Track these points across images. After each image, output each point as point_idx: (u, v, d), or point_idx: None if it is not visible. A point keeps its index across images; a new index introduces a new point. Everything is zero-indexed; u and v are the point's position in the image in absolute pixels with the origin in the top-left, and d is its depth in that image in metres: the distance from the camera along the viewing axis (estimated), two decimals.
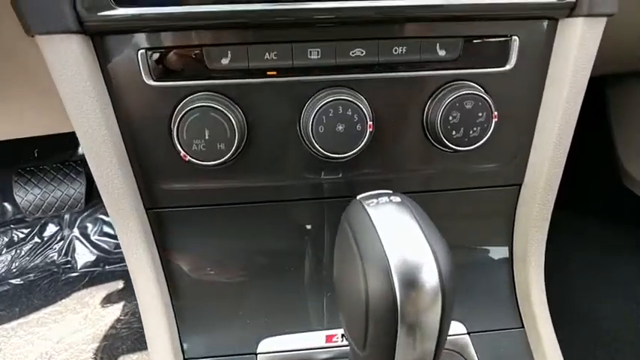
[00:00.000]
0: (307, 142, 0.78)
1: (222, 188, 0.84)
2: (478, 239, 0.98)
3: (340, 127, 0.76)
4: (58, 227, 2.21)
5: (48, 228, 2.21)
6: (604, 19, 0.77)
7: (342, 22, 0.73)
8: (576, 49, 0.78)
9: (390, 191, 0.61)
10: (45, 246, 2.19)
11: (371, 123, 0.76)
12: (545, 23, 0.79)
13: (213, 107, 0.73)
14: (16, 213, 2.12)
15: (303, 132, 0.79)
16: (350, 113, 0.75)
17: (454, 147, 0.79)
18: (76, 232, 2.18)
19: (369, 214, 0.56)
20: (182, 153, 0.75)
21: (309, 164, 0.83)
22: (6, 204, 2.16)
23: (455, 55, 0.78)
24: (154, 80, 0.75)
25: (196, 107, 0.73)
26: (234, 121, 0.74)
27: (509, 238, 0.97)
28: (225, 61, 0.75)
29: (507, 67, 0.80)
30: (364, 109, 0.75)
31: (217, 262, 0.93)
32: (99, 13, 0.68)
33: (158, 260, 0.88)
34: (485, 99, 0.77)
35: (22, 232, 2.20)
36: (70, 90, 0.72)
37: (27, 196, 1.78)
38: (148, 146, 0.79)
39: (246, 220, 0.89)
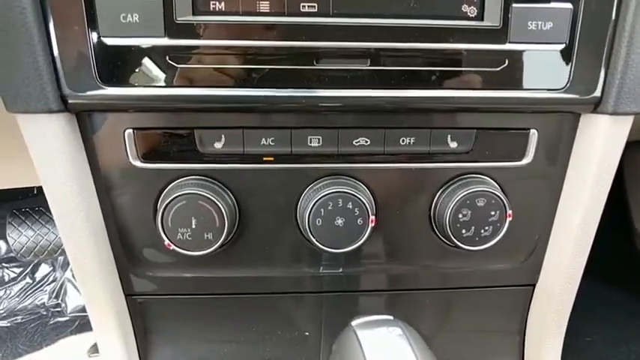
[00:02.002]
0: (304, 234, 0.72)
1: (210, 277, 0.78)
2: (484, 347, 0.90)
3: (340, 221, 0.70)
4: (51, 268, 2.15)
5: (40, 268, 2.15)
6: (631, 117, 0.71)
7: (348, 110, 0.68)
8: (600, 146, 0.72)
9: (390, 317, 0.54)
10: (36, 287, 2.12)
11: (373, 217, 0.70)
12: (567, 116, 0.73)
13: (202, 195, 0.67)
14: (9, 251, 2.06)
15: (299, 222, 0.73)
16: (351, 207, 0.69)
17: (463, 246, 0.72)
18: (68, 274, 2.11)
19: (363, 354, 0.49)
20: (166, 242, 0.69)
21: (304, 255, 0.77)
22: None
23: (467, 148, 0.72)
24: (141, 161, 0.70)
25: (183, 195, 0.67)
26: (224, 211, 0.68)
27: (520, 348, 0.88)
28: (218, 145, 0.70)
29: (524, 161, 0.74)
30: (366, 203, 0.69)
31: (201, 357, 0.85)
32: (84, 93, 0.63)
33: (135, 353, 0.81)
34: (499, 197, 0.71)
35: (14, 272, 2.14)
36: (49, 171, 0.67)
37: (20, 238, 1.73)
38: (131, 230, 0.74)
39: (235, 313, 0.82)
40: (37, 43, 0.60)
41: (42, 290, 2.13)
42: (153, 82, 0.63)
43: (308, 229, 0.70)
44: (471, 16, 0.66)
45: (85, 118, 0.68)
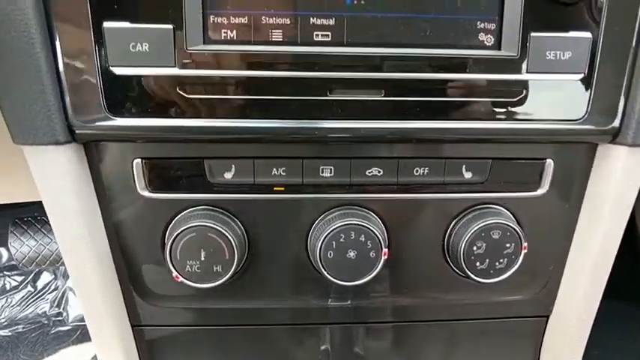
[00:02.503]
0: (314, 266, 0.71)
1: (219, 308, 0.76)
2: None
3: (352, 254, 0.68)
4: (52, 277, 2.13)
5: (42, 277, 2.14)
6: None
7: (361, 140, 0.67)
8: (619, 177, 0.70)
9: None
10: (37, 296, 2.11)
11: (386, 250, 0.69)
12: (584, 146, 0.72)
13: (211, 227, 0.66)
14: (10, 259, 2.05)
15: (310, 254, 0.71)
16: (363, 239, 0.68)
17: (477, 279, 0.71)
18: (70, 283, 2.09)
19: None
20: (174, 274, 0.67)
21: (314, 287, 0.75)
22: (1, 249, 2.10)
23: (482, 178, 0.71)
24: (149, 192, 0.68)
25: (192, 227, 0.66)
26: (233, 243, 0.66)
27: None
28: (228, 176, 0.68)
29: (540, 191, 0.72)
30: (379, 235, 0.68)
31: None
32: (92, 124, 0.62)
33: None
34: (514, 229, 0.69)
35: (15, 280, 2.13)
36: (55, 202, 0.66)
37: (22, 247, 1.71)
38: (139, 261, 0.72)
39: (243, 344, 0.80)
40: (45, 74, 0.59)
41: (43, 299, 2.12)
42: (162, 113, 0.62)
43: (319, 262, 0.68)
44: (487, 45, 0.64)
45: (92, 148, 0.67)
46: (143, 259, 0.72)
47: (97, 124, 0.62)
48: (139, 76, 0.61)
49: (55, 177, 0.64)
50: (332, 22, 0.62)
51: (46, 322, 2.05)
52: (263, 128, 0.63)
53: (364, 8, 0.62)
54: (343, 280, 0.69)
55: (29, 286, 2.14)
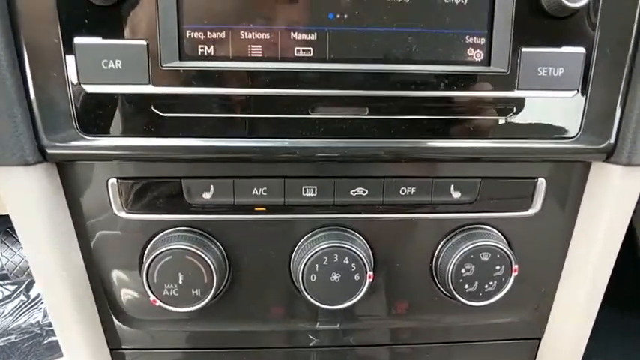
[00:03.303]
0: (297, 289, 0.68)
1: (200, 331, 0.74)
2: None
3: (335, 277, 0.66)
4: None
5: (35, 286, 2.11)
6: None
7: (345, 160, 0.64)
8: (613, 197, 0.67)
9: None
10: (30, 305, 2.09)
11: (371, 273, 0.66)
12: (577, 165, 0.69)
13: (189, 250, 0.64)
14: (3, 268, 2.03)
15: (293, 276, 0.69)
16: (347, 262, 0.65)
17: (466, 302, 0.68)
18: None
19: None
20: (152, 297, 0.65)
21: (298, 310, 0.73)
22: None
23: (471, 198, 0.68)
24: (126, 212, 0.66)
25: (169, 249, 0.63)
26: (212, 266, 0.64)
27: None
28: (207, 196, 0.66)
29: (531, 211, 0.70)
30: (363, 258, 0.65)
31: None
32: (64, 143, 0.59)
33: None
34: (504, 251, 0.67)
35: (8, 289, 2.11)
36: (26, 224, 0.63)
37: (13, 257, 1.69)
38: (116, 283, 0.70)
39: None
40: (13, 92, 0.56)
41: (37, 308, 2.10)
42: (137, 132, 0.59)
43: (302, 285, 0.66)
44: (477, 60, 0.61)
45: (65, 167, 0.64)
46: (121, 281, 0.70)
47: (69, 143, 0.59)
48: (112, 94, 0.58)
49: (25, 198, 0.61)
50: (314, 37, 0.60)
51: (39, 331, 2.02)
52: (242, 148, 0.61)
53: (347, 23, 0.59)
54: (327, 304, 0.67)
55: (22, 295, 2.12)
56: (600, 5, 0.60)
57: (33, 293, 2.13)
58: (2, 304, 2.09)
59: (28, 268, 1.77)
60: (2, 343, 1.95)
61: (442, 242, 0.70)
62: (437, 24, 0.60)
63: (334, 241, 0.65)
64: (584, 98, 0.62)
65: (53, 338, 1.99)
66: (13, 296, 2.11)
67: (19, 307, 2.09)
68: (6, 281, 2.11)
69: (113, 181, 0.65)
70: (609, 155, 0.65)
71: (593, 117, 0.63)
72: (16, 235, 1.79)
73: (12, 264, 1.69)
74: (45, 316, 2.08)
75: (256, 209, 0.67)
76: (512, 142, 0.63)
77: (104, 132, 0.59)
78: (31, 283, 2.13)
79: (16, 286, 2.12)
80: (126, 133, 0.59)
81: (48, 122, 0.59)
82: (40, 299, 2.12)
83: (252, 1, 0.58)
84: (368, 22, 0.59)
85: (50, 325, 2.06)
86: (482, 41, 0.61)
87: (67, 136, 0.59)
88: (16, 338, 1.98)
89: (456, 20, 0.60)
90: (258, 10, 0.58)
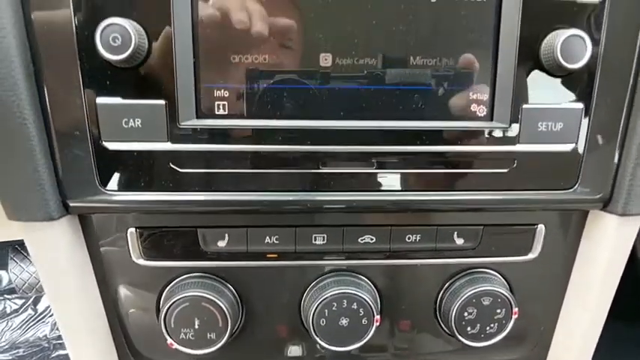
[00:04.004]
0: (307, 332, 0.71)
1: None
2: None
3: (344, 321, 0.69)
4: None
5: (42, 300, 2.14)
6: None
7: (353, 210, 0.67)
8: (609, 244, 0.71)
9: None
10: (38, 319, 2.12)
11: (378, 317, 0.69)
12: (576, 212, 0.72)
13: (205, 297, 0.67)
14: (11, 282, 2.06)
15: (303, 320, 0.72)
16: (355, 307, 0.68)
17: (467, 342, 0.71)
18: None
19: None
20: (169, 341, 0.68)
21: (309, 351, 0.76)
22: (1, 272, 2.10)
23: (474, 244, 0.71)
24: (144, 259, 0.69)
25: (186, 297, 0.66)
26: (226, 311, 0.67)
27: None
28: (221, 244, 0.69)
29: (531, 255, 0.73)
30: (371, 303, 0.68)
31: None
32: (86, 198, 0.62)
33: None
34: (505, 296, 0.70)
35: (16, 304, 2.14)
36: (50, 273, 0.66)
37: (22, 274, 1.72)
38: (134, 326, 0.73)
39: None
40: (38, 152, 0.59)
41: (44, 322, 2.13)
42: (155, 187, 0.62)
43: (312, 329, 0.69)
44: (480, 116, 0.64)
45: (86, 217, 0.67)
46: (139, 324, 0.73)
47: (91, 198, 0.62)
48: (132, 151, 0.61)
49: (49, 250, 0.64)
50: (325, 95, 0.62)
51: (46, 345, 2.05)
52: (256, 201, 0.64)
53: (357, 82, 0.62)
54: (335, 346, 0.70)
55: (30, 309, 2.15)
56: (599, 64, 0.62)
57: (40, 307, 2.16)
58: (10, 318, 2.11)
59: (37, 284, 1.80)
60: (10, 357, 1.98)
61: (445, 285, 0.73)
62: (442, 81, 0.63)
63: (342, 288, 0.68)
64: (581, 151, 0.65)
65: (61, 352, 2.02)
66: (20, 310, 2.14)
67: (26, 321, 2.12)
68: (13, 295, 2.14)
69: (132, 230, 0.68)
70: (606, 204, 0.68)
71: (590, 169, 0.66)
72: (24, 251, 1.82)
73: (21, 280, 1.72)
74: (52, 330, 2.11)
75: (268, 256, 0.70)
76: (513, 194, 0.66)
77: (125, 187, 0.62)
78: (39, 297, 2.16)
79: (23, 300, 2.15)
80: (145, 188, 0.62)
81: (71, 178, 0.62)
82: (48, 313, 2.15)
83: (266, 63, 0.60)
84: (377, 81, 0.62)
85: (57, 339, 2.09)
86: (485, 97, 0.64)
87: (90, 191, 0.62)
88: (24, 352, 2.01)
89: (460, 78, 0.63)
90: (271, 71, 0.61)
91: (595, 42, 0.61)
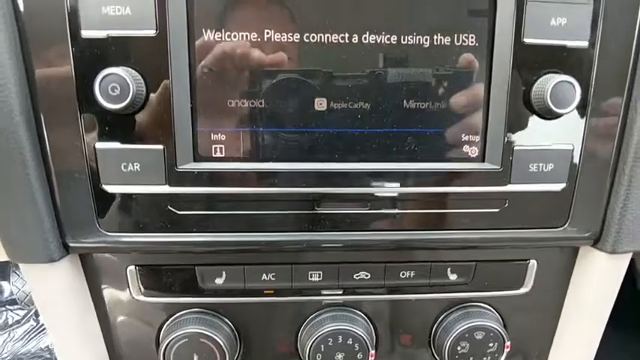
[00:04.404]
0: None
1: None
2: None
3: (340, 356, 0.70)
4: None
5: None
6: (630, 253, 0.71)
7: (349, 249, 0.68)
8: (599, 279, 0.72)
9: None
10: (40, 330, 2.14)
11: (373, 352, 0.71)
12: (567, 248, 0.73)
13: (203, 333, 0.68)
14: (13, 293, 2.08)
15: (300, 353, 0.73)
16: (350, 342, 0.70)
17: None
18: None
19: None
20: None
21: None
22: (3, 283, 2.12)
23: (467, 280, 0.73)
24: (143, 296, 0.70)
25: (185, 334, 0.68)
26: (224, 346, 0.69)
27: None
28: (219, 281, 0.70)
29: (523, 290, 0.74)
30: (366, 339, 0.70)
31: None
32: (86, 239, 0.64)
33: None
34: (497, 330, 0.71)
35: (17, 315, 2.16)
36: (52, 312, 0.68)
37: (24, 287, 1.74)
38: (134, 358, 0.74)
39: None
40: (39, 197, 0.61)
41: (46, 333, 2.14)
42: (154, 228, 0.64)
43: None
44: (472, 157, 0.66)
45: (87, 256, 0.69)
46: (139, 358, 0.74)
47: (91, 239, 0.64)
48: (131, 194, 0.63)
49: (51, 289, 0.66)
50: (320, 138, 0.64)
51: (48, 356, 2.07)
52: (253, 242, 0.65)
53: (351, 126, 0.63)
54: None
55: (32, 320, 2.16)
56: (589, 107, 0.64)
57: (42, 319, 2.18)
58: (12, 329, 2.13)
59: None
60: None
61: (439, 320, 0.74)
62: (436, 124, 0.64)
63: (338, 323, 0.70)
64: (572, 190, 0.67)
65: None
66: (22, 321, 2.15)
67: (28, 332, 2.14)
68: (15, 306, 2.15)
69: (132, 268, 0.69)
70: (596, 242, 0.69)
71: (580, 208, 0.67)
72: None
73: (23, 293, 1.74)
74: None
75: (265, 292, 0.71)
76: (504, 232, 0.67)
77: (124, 228, 0.64)
78: None
79: (25, 312, 2.16)
80: (144, 229, 0.64)
81: (72, 221, 0.63)
82: None
83: (262, 108, 0.62)
84: (370, 125, 0.64)
85: None
86: (477, 139, 0.65)
87: (90, 232, 0.63)
88: None
89: (453, 120, 0.64)
90: (267, 115, 0.62)
91: (585, 86, 0.62)
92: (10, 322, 2.15)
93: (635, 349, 2.00)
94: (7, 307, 2.15)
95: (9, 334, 2.12)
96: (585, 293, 0.73)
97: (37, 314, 2.18)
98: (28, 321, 2.16)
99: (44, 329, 2.16)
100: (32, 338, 2.13)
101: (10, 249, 0.63)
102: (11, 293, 2.11)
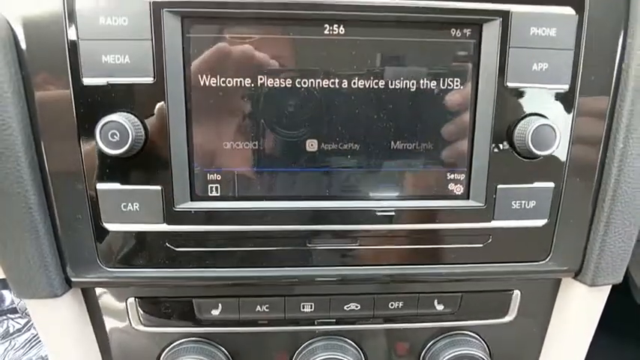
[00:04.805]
0: None
1: None
2: None
3: None
4: None
5: None
6: (609, 286, 0.74)
7: (340, 283, 0.71)
8: (580, 308, 0.75)
9: None
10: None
11: None
12: (549, 279, 0.76)
13: None
14: (14, 302, 2.10)
15: None
16: None
17: None
18: None
19: None
20: None
21: None
22: (4, 291, 2.15)
23: (453, 309, 0.76)
24: (143, 326, 0.73)
25: None
26: None
27: None
28: (215, 312, 0.73)
29: (507, 318, 0.77)
30: None
31: None
32: (88, 274, 0.67)
33: None
34: (483, 358, 0.74)
35: (18, 323, 2.18)
36: (56, 344, 0.71)
37: None
38: None
39: None
40: (42, 236, 0.63)
41: None
42: (153, 264, 0.67)
43: None
44: (457, 194, 0.68)
45: (88, 289, 0.71)
46: None
47: (93, 274, 0.67)
48: (131, 232, 0.65)
49: (54, 321, 0.69)
50: (311, 179, 0.66)
51: None
52: (247, 277, 0.68)
53: (340, 165, 0.66)
54: None
55: (33, 328, 2.19)
56: (569, 148, 0.67)
57: None
58: (13, 338, 2.16)
59: None
60: None
61: (427, 347, 0.77)
62: (422, 164, 0.67)
63: (329, 353, 0.73)
64: (554, 226, 0.69)
65: None
66: (23, 330, 2.18)
67: (29, 341, 2.16)
68: (16, 315, 2.18)
69: (131, 299, 0.72)
70: (577, 274, 0.72)
71: (561, 242, 0.70)
72: None
73: (23, 305, 1.76)
74: None
75: (259, 322, 0.74)
76: (488, 266, 0.70)
77: (124, 264, 0.67)
78: None
79: (26, 320, 2.19)
80: (143, 265, 0.67)
81: (74, 257, 0.66)
82: None
83: (256, 149, 0.64)
84: (359, 164, 0.66)
85: None
86: (462, 177, 0.68)
87: (91, 268, 0.66)
88: None
89: (438, 160, 0.67)
90: (261, 156, 0.65)
91: (565, 129, 0.65)
92: (11, 330, 2.17)
93: (627, 356, 2.03)
94: (8, 315, 2.18)
95: (10, 343, 2.15)
96: (567, 321, 0.77)
97: None
98: (29, 329, 2.19)
99: None
100: (33, 347, 2.15)
101: (14, 286, 0.66)
102: (12, 302, 2.13)
